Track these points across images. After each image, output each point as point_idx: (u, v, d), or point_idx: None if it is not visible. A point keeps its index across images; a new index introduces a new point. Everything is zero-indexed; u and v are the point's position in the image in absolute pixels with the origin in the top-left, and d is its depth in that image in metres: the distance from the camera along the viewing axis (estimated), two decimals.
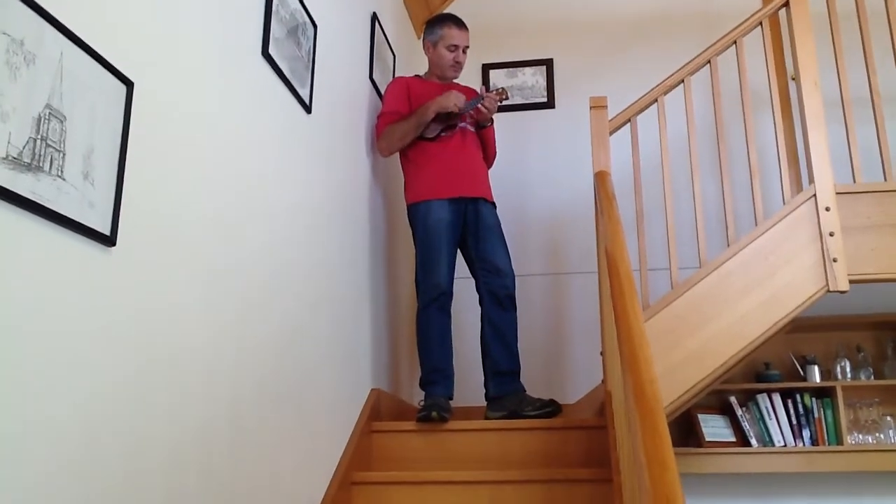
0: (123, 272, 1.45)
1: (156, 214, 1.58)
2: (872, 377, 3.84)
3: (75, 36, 1.33)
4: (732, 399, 3.79)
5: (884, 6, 3.03)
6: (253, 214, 2.06)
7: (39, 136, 1.23)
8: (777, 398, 3.77)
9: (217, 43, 1.91)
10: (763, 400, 3.77)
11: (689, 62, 3.11)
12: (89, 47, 1.37)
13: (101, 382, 1.37)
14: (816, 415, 3.74)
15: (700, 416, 3.74)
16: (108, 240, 1.39)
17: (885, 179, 2.92)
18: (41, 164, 1.23)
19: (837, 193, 2.89)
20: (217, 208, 1.86)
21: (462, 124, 3.28)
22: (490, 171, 3.47)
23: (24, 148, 1.19)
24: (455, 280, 3.16)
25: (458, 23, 3.34)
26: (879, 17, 3.06)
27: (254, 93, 2.12)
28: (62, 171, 1.28)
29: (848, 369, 3.83)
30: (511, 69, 4.43)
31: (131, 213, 1.47)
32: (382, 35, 3.61)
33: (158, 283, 1.57)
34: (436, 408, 2.89)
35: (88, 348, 1.34)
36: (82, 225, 1.31)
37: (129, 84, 1.49)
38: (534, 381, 3.34)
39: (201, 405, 1.73)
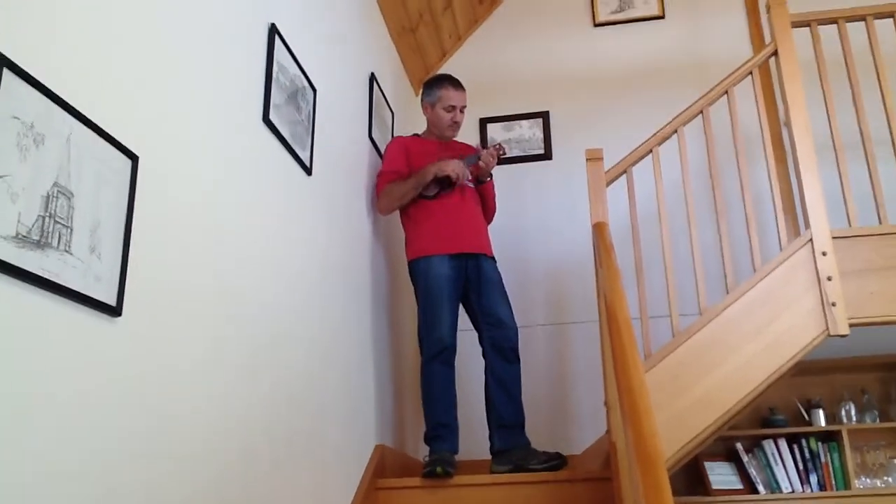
0: (130, 340, 1.48)
1: (160, 283, 1.61)
2: (878, 419, 3.82)
3: (82, 115, 1.38)
4: (738, 445, 3.77)
5: (870, 51, 3.10)
6: (256, 277, 2.10)
7: (48, 214, 1.27)
8: (783, 443, 3.75)
9: (219, 112, 1.96)
10: (769, 446, 3.75)
11: (683, 112, 3.17)
12: (95, 125, 1.42)
13: (111, 446, 1.39)
14: (823, 459, 3.72)
15: (706, 464, 3.73)
16: (114, 310, 1.43)
17: (880, 222, 2.95)
18: (49, 241, 1.27)
19: (834, 238, 2.92)
20: (221, 273, 1.89)
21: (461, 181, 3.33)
22: (490, 224, 3.51)
23: (32, 226, 1.23)
24: (458, 333, 3.18)
25: (455, 84, 3.42)
26: (867, 62, 3.12)
27: (255, 158, 2.17)
28: (69, 247, 1.32)
29: (853, 412, 3.82)
30: (508, 122, 4.51)
31: (136, 283, 1.51)
32: (381, 94, 3.69)
33: (164, 349, 1.60)
34: (441, 463, 2.89)
35: (97, 413, 1.36)
36: (89, 297, 1.35)
37: (134, 158, 1.54)
38: (539, 433, 3.35)
39: (210, 465, 1.74)
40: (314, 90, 2.67)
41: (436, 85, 3.44)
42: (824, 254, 2.89)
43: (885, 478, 3.73)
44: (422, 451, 3.19)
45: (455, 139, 3.53)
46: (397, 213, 3.39)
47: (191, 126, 1.81)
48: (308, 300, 2.48)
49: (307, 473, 2.35)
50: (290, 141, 2.40)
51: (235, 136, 2.05)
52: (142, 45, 1.61)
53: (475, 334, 3.26)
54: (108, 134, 1.46)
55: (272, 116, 2.27)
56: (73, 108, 1.36)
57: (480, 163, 3.30)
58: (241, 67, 2.12)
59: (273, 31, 2.33)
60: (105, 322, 1.41)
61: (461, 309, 3.28)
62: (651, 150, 3.15)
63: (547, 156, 4.42)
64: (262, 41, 2.28)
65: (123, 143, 1.51)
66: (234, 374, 1.91)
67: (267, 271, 2.17)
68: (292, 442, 2.25)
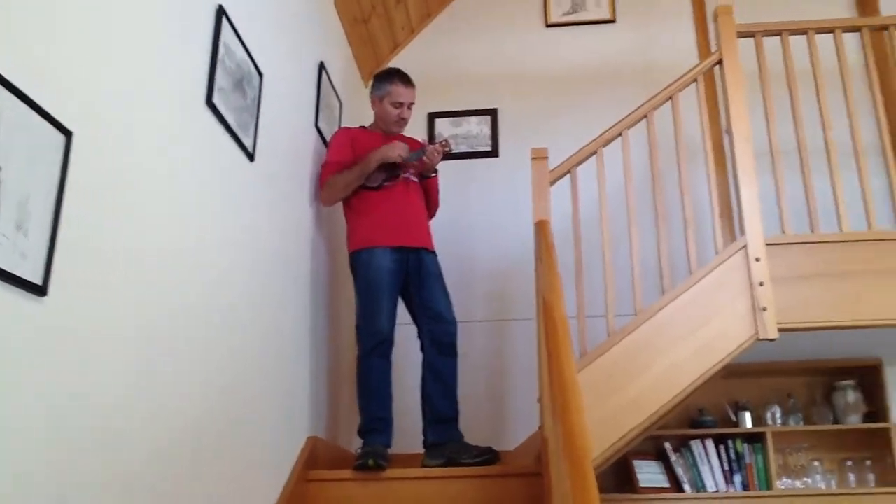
0: (55, 321, 1.44)
1: (91, 264, 1.58)
2: (802, 423, 3.95)
3: (14, 86, 1.34)
4: (667, 445, 3.85)
5: (811, 66, 3.19)
6: (191, 262, 2.07)
7: None
8: (710, 444, 3.85)
9: (160, 92, 1.93)
10: (697, 446, 3.84)
11: (628, 115, 3.21)
12: (29, 98, 1.38)
13: (31, 428, 1.35)
14: (748, 460, 3.83)
15: (635, 463, 3.80)
16: (40, 289, 1.39)
17: (812, 231, 3.04)
18: None
19: (767, 244, 2.99)
20: (155, 256, 1.86)
21: (405, 174, 3.33)
22: (434, 218, 3.52)
23: None
24: (396, 326, 3.18)
25: (405, 79, 3.40)
26: (808, 75, 3.20)
27: (196, 141, 2.13)
28: None
29: (778, 415, 3.93)
30: (456, 118, 4.52)
31: (65, 263, 1.47)
32: (329, 84, 3.66)
33: (91, 332, 1.57)
34: (373, 456, 2.89)
35: (18, 396, 1.33)
36: (13, 275, 1.31)
37: (68, 134, 1.50)
38: (474, 428, 3.37)
39: (133, 452, 1.71)
40: (261, 75, 2.64)
41: (385, 79, 3.42)
42: (757, 260, 2.96)
43: (806, 479, 3.85)
44: (355, 444, 3.18)
45: (402, 133, 3.52)
46: (340, 204, 3.37)
47: (129, 104, 1.77)
48: (244, 288, 2.45)
49: (235, 462, 2.32)
50: (233, 125, 2.37)
51: (176, 117, 2.01)
52: (81, 19, 1.58)
53: (413, 328, 3.26)
54: (42, 108, 1.42)
55: (216, 99, 2.24)
56: (4, 78, 1.32)
57: (425, 158, 3.29)
58: (185, 48, 2.08)
59: (220, 12, 2.30)
60: (30, 301, 1.37)
61: (400, 303, 3.27)
62: (595, 152, 3.19)
63: (494, 153, 4.44)
64: (208, 22, 2.24)
65: (58, 118, 1.47)
66: (163, 361, 1.88)
67: (203, 257, 2.14)
68: (221, 430, 2.22)
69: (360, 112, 4.15)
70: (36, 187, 1.40)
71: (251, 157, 2.53)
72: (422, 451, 3.12)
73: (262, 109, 2.65)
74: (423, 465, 3.04)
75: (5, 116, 1.32)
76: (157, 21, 1.92)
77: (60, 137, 1.48)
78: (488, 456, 2.99)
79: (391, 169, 3.26)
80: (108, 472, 1.61)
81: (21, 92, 1.36)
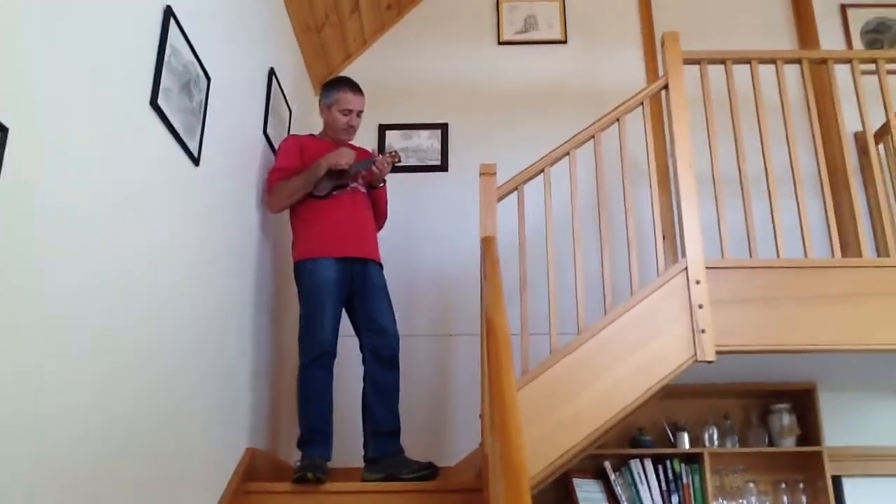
0: None
1: (24, 262, 1.52)
2: (738, 444, 4.01)
3: None
4: (607, 464, 3.88)
5: (752, 95, 3.27)
6: (130, 264, 2.01)
7: None
8: (649, 463, 3.89)
9: (103, 91, 1.88)
10: (636, 465, 3.88)
11: (575, 136, 3.25)
12: None
13: None
14: (685, 480, 3.87)
15: (575, 481, 3.81)
16: None
17: (751, 256, 3.10)
18: None
19: (707, 267, 3.04)
20: (91, 258, 1.80)
21: (353, 184, 3.30)
22: (381, 230, 3.50)
23: None
24: (339, 338, 3.14)
25: (354, 87, 3.39)
26: (752, 103, 3.28)
27: (139, 143, 2.08)
28: None
29: (715, 436, 3.99)
30: (407, 131, 4.51)
31: None
32: (279, 90, 3.62)
33: (14, 334, 1.51)
34: (312, 468, 2.84)
35: None
36: None
37: (3, 129, 1.45)
38: (415, 443, 3.35)
39: (57, 463, 1.65)
40: (209, 79, 2.60)
41: (334, 87, 3.40)
42: (698, 282, 3.01)
43: (741, 500, 3.91)
44: (295, 456, 3.13)
45: (352, 143, 3.50)
46: (287, 212, 3.33)
47: (70, 101, 1.72)
48: (183, 293, 2.40)
49: (170, 472, 2.26)
50: (178, 128, 2.32)
51: (119, 116, 1.96)
52: (21, 12, 1.53)
53: (356, 340, 3.23)
54: None
55: (161, 101, 2.19)
56: None
57: (374, 168, 3.28)
58: (130, 47, 2.04)
59: (168, 13, 2.26)
60: None
61: (344, 315, 3.24)
62: (543, 170, 3.21)
63: (443, 167, 4.44)
64: (155, 22, 2.20)
65: None
66: (93, 366, 1.82)
67: (141, 262, 2.09)
68: (154, 440, 2.16)
69: (310, 120, 4.12)
70: None
71: (196, 161, 2.49)
72: (362, 464, 3.08)
73: (208, 113, 2.60)
74: (363, 479, 3.01)
75: None
76: (102, 18, 1.87)
77: None
78: (428, 471, 2.97)
79: (339, 178, 3.23)
80: (40, 467, 1.55)
81: None
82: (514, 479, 1.55)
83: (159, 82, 2.19)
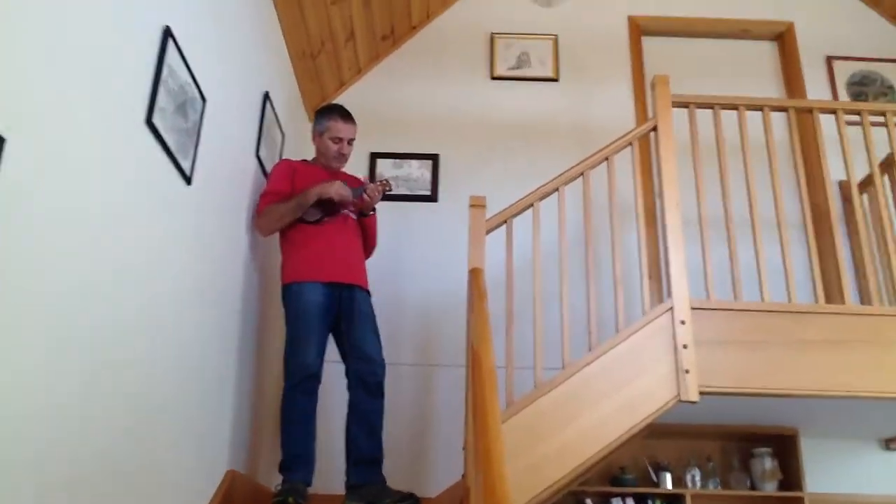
0: None
1: (10, 276, 1.51)
2: (720, 486, 4.00)
3: None
4: (588, 501, 3.86)
5: (739, 140, 3.31)
6: (119, 279, 2.00)
7: None
8: (630, 502, 3.86)
9: (100, 107, 1.88)
10: (617, 503, 3.86)
11: (564, 172, 3.27)
12: None
13: None
14: None
15: None
16: None
17: (735, 298, 3.12)
18: None
19: (692, 308, 3.06)
20: (80, 271, 1.79)
21: (344, 211, 3.31)
22: (369, 258, 3.50)
23: None
24: (326, 364, 3.12)
25: (345, 115, 3.41)
26: (737, 147, 3.34)
27: (132, 159, 2.08)
28: None
29: (697, 478, 3.98)
30: (398, 160, 4.54)
31: None
32: (273, 114, 3.64)
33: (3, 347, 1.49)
34: (292, 493, 2.81)
35: None
36: None
37: (0, 140, 1.45)
38: (396, 472, 3.32)
39: (36, 477, 1.62)
40: (204, 100, 2.60)
41: (325, 115, 3.42)
42: (683, 322, 3.02)
43: None
44: (275, 480, 3.09)
45: (343, 170, 3.51)
46: (277, 235, 3.33)
47: (66, 115, 1.72)
48: (168, 310, 2.38)
49: (148, 492, 2.22)
50: (172, 147, 2.32)
51: (114, 133, 1.96)
52: (20, 25, 1.53)
53: (341, 366, 3.21)
54: None
55: (156, 119, 2.20)
56: None
57: (365, 196, 3.29)
58: (127, 65, 2.04)
59: (167, 33, 2.27)
60: None
61: (331, 340, 3.23)
62: (532, 205, 3.23)
63: (433, 198, 4.46)
64: (154, 41, 2.21)
65: None
66: (74, 379, 1.80)
67: (129, 275, 2.07)
68: (133, 460, 2.12)
69: (302, 146, 4.13)
70: None
71: (188, 180, 2.48)
72: (343, 492, 3.04)
73: (202, 134, 2.61)
74: None
75: None
76: (101, 35, 1.88)
77: None
78: (409, 501, 2.94)
79: (329, 206, 3.24)
80: (8, 494, 1.52)
81: None
82: None
83: (155, 101, 2.20)
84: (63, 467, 1.73)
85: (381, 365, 3.17)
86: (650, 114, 3.43)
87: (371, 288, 3.34)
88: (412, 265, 4.32)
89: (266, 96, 3.49)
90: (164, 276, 2.32)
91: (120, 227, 2.00)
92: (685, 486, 3.97)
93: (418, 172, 4.51)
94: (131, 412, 2.10)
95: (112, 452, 2.00)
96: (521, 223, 3.30)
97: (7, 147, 1.47)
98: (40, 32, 1.60)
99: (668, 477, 3.96)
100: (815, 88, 4.73)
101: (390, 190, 3.38)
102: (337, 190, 3.20)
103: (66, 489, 1.75)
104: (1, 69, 1.46)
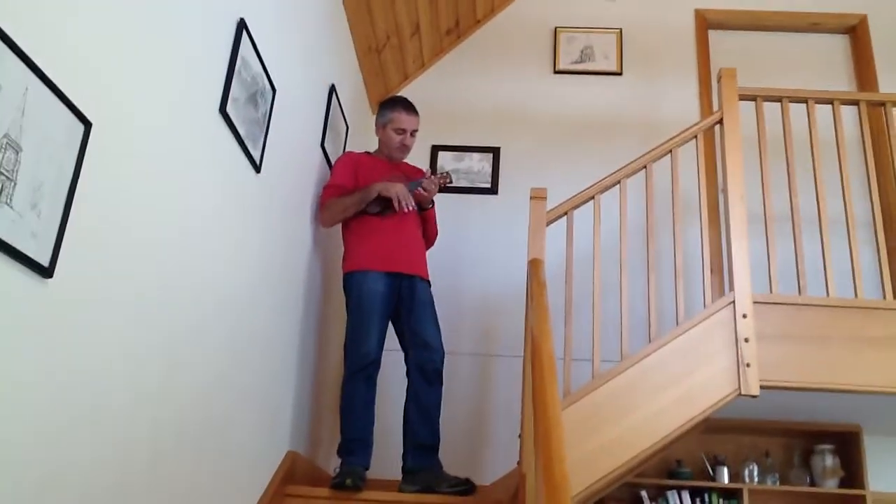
0: (57, 305, 1.46)
1: (97, 253, 1.61)
2: (778, 482, 3.95)
3: (42, 72, 1.38)
4: (643, 493, 3.85)
5: (808, 135, 3.26)
6: (193, 260, 2.09)
7: None
8: (686, 495, 3.85)
9: (178, 95, 1.97)
10: (673, 496, 3.84)
11: (627, 165, 3.27)
12: (54, 85, 1.42)
13: (26, 415, 1.37)
14: None
15: None
16: (46, 271, 1.41)
17: (800, 293, 3.08)
18: None
19: (755, 302, 3.02)
20: (157, 254, 1.89)
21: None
22: (430, 249, 3.56)
23: None
24: (385, 351, 3.20)
25: (408, 107, 3.47)
26: (805, 142, 3.28)
27: (206, 147, 2.17)
28: (11, 199, 1.31)
29: (755, 473, 3.94)
30: (459, 153, 4.58)
31: (73, 248, 1.50)
32: (338, 107, 3.72)
33: (89, 320, 1.59)
34: (351, 475, 2.89)
35: (12, 379, 1.34)
36: (21, 253, 1.34)
37: (87, 124, 1.54)
38: (452, 459, 3.37)
39: (120, 435, 1.72)
40: (274, 91, 2.69)
41: (389, 107, 3.49)
42: (744, 316, 2.99)
43: None
44: (333, 463, 3.18)
45: (405, 161, 3.57)
46: (339, 225, 3.41)
47: (147, 102, 1.81)
48: (238, 293, 2.47)
49: (215, 470, 2.32)
50: (243, 136, 2.41)
51: (190, 121, 2.05)
52: (109, 15, 1.62)
53: (401, 354, 3.28)
54: (65, 96, 1.46)
55: (229, 109, 2.28)
56: (33, 63, 1.36)
57: (421, 189, 3.33)
58: (204, 55, 2.13)
59: (242, 25, 2.35)
60: (35, 282, 1.40)
61: (390, 328, 3.30)
62: (593, 197, 3.24)
63: (493, 190, 4.50)
64: (229, 33, 2.30)
65: (80, 107, 1.51)
66: (155, 354, 1.90)
67: (199, 260, 2.16)
68: (200, 436, 2.22)
69: (365, 138, 4.21)
70: (53, 172, 1.43)
71: (258, 168, 2.58)
72: (400, 476, 3.11)
73: (272, 124, 2.70)
74: (400, 490, 3.04)
75: (30, 98, 1.36)
76: (181, 26, 1.97)
77: (80, 127, 1.52)
78: (465, 487, 3.00)
79: (390, 201, 3.28)
80: (98, 453, 1.62)
81: (48, 78, 1.40)
82: (555, 488, 1.58)
83: (229, 91, 2.28)
84: (146, 426, 1.83)
85: (440, 353, 3.22)
86: (716, 107, 3.39)
87: (431, 278, 3.40)
88: (472, 256, 4.36)
89: (332, 89, 3.58)
90: (232, 257, 2.41)
91: (195, 209, 2.10)
92: (743, 481, 3.93)
93: (479, 165, 4.55)
94: (203, 388, 2.20)
95: (190, 432, 2.10)
96: (582, 216, 3.31)
97: (93, 131, 1.57)
98: (126, 24, 1.68)
99: (726, 471, 3.93)
100: (888, 82, 4.60)
101: (450, 183, 3.43)
102: (397, 192, 3.23)
103: (148, 448, 1.85)
104: (89, 58, 1.56)
